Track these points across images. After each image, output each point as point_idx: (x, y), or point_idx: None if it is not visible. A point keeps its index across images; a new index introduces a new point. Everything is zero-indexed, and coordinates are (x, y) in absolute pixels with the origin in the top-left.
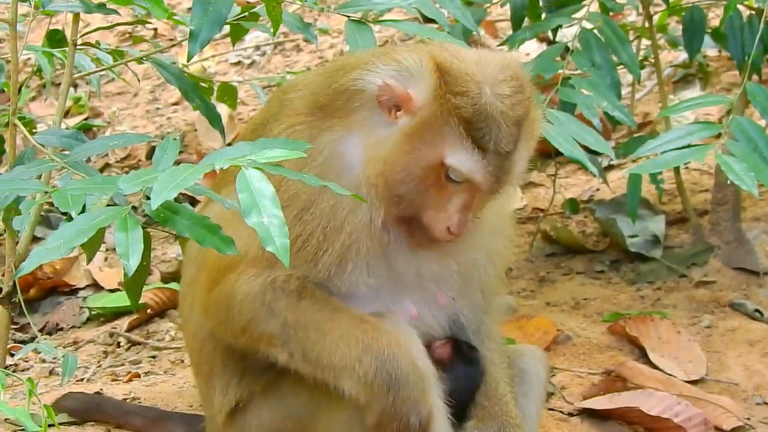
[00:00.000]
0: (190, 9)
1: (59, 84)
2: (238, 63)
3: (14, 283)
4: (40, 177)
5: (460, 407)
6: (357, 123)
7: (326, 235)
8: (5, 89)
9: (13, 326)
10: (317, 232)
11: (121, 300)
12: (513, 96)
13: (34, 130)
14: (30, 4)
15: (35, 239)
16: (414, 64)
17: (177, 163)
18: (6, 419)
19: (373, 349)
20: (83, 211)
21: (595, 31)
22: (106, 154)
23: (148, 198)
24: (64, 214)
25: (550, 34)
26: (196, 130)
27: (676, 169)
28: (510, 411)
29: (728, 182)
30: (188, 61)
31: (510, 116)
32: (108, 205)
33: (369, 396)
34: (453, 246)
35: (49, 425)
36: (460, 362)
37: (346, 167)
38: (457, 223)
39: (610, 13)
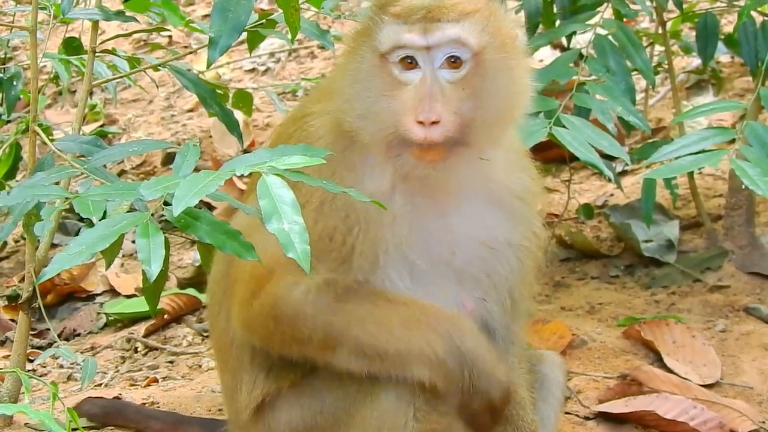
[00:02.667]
0: (205, 16)
1: (75, 91)
2: (253, 70)
3: (34, 288)
4: (59, 183)
5: None
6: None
7: (347, 224)
8: (22, 96)
9: (31, 332)
10: (340, 224)
11: (138, 306)
12: None
13: (50, 137)
14: (49, 12)
15: (52, 245)
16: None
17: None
18: (26, 424)
19: (438, 330)
20: (104, 217)
21: (610, 37)
22: (122, 161)
23: (167, 204)
24: (82, 220)
25: (564, 41)
26: (211, 136)
27: (690, 174)
28: (526, 416)
29: (742, 187)
30: (208, 68)
31: (439, 3)
32: (128, 212)
33: (444, 378)
34: (480, 220)
35: (73, 429)
36: None
37: (343, 144)
38: (421, 109)
39: (624, 20)
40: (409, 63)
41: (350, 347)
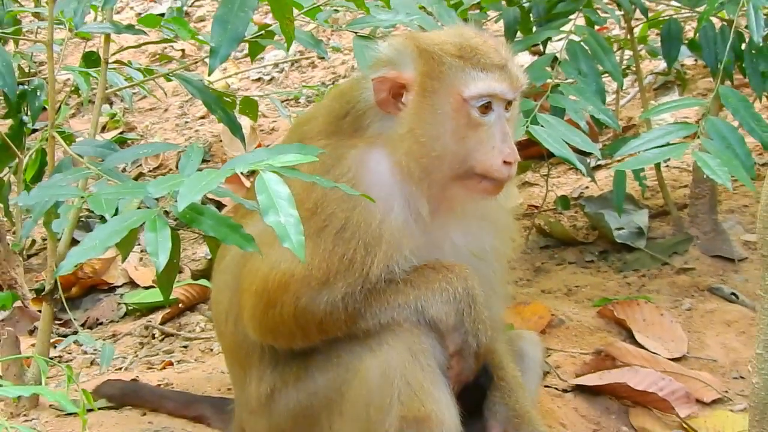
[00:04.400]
0: None
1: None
2: (259, 79)
3: (55, 281)
4: (78, 184)
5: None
6: (374, 137)
7: (368, 249)
8: (47, 106)
9: (57, 322)
10: (360, 248)
11: (155, 296)
12: (481, 33)
13: (73, 144)
14: (66, 27)
15: (75, 242)
16: (391, 51)
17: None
18: (50, 405)
19: (456, 272)
20: (116, 213)
21: (582, 42)
22: (140, 165)
23: None
24: (100, 217)
25: (540, 46)
26: (221, 141)
27: (657, 167)
28: (506, 374)
29: (705, 177)
30: (209, 75)
31: (488, 43)
32: (139, 208)
33: (457, 313)
34: (471, 233)
35: (88, 409)
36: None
37: (375, 178)
38: (509, 150)
39: (595, 27)
40: (487, 107)
41: (371, 312)
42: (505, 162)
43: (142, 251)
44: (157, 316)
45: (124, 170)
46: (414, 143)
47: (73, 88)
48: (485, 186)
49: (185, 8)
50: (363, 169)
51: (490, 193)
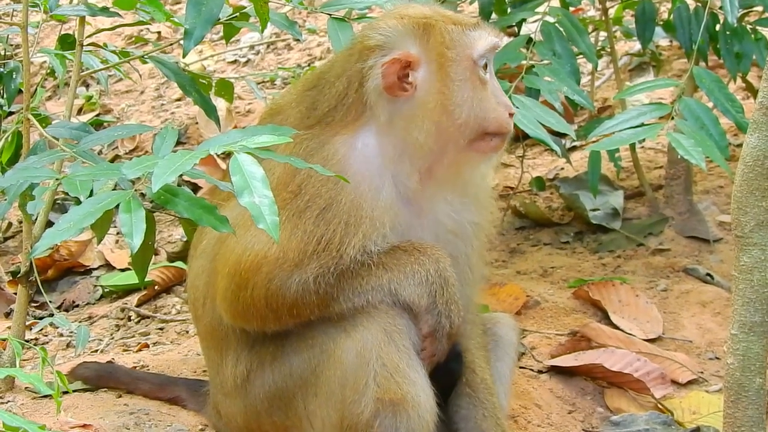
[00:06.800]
0: None
1: None
2: (235, 61)
3: (31, 263)
4: (53, 166)
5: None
6: (368, 122)
7: (348, 229)
8: (22, 89)
9: (33, 304)
10: (339, 228)
11: (132, 278)
12: (436, 5)
13: (48, 126)
14: (41, 9)
15: (50, 224)
16: (386, 34)
17: None
18: (26, 387)
19: (428, 254)
20: (91, 195)
21: (556, 23)
22: (116, 147)
23: None
24: (75, 199)
25: (515, 28)
26: (197, 123)
27: (632, 148)
28: (474, 378)
29: (680, 158)
30: (184, 57)
31: (460, 15)
32: (114, 190)
33: (429, 294)
34: (452, 208)
35: (63, 392)
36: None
37: (364, 159)
38: (508, 102)
39: (570, 8)
40: (485, 66)
41: (344, 296)
42: (510, 114)
43: (118, 233)
44: (133, 299)
45: (100, 153)
46: (442, 115)
47: (49, 71)
48: (495, 143)
49: None
50: (352, 151)
51: (498, 149)
